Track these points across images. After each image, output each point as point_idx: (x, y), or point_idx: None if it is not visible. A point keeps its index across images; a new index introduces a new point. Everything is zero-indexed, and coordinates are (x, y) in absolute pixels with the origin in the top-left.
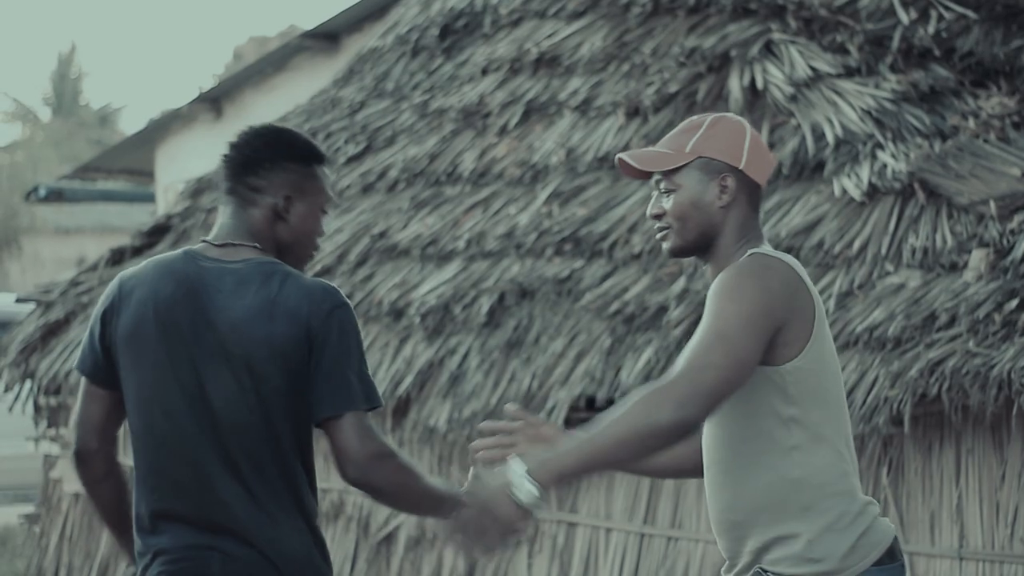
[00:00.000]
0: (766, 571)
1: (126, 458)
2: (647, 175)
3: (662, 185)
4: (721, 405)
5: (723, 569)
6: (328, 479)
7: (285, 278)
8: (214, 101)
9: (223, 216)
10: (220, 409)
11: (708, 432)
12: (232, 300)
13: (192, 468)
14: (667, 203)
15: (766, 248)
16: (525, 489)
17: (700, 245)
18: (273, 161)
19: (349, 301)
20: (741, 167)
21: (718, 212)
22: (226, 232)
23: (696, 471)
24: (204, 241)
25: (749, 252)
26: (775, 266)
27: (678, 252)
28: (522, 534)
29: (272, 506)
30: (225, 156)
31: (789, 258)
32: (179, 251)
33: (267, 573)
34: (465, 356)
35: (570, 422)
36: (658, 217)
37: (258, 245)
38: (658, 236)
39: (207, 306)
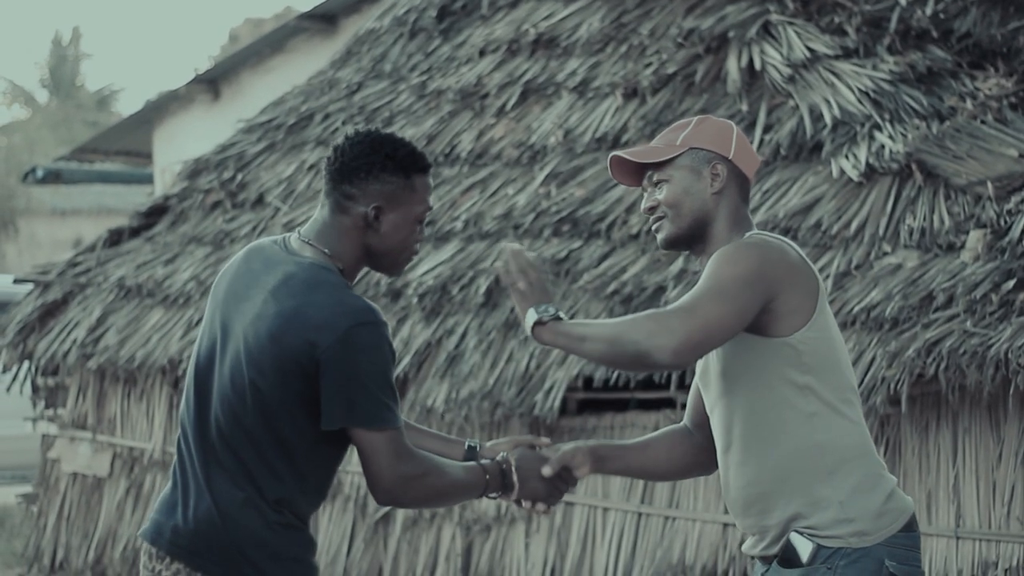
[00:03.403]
0: (801, 532)
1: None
2: (638, 179)
3: (654, 178)
4: (692, 356)
5: (746, 546)
6: None
7: (322, 288)
8: (211, 82)
9: (317, 214)
10: (217, 391)
11: (723, 414)
12: (267, 295)
13: (184, 434)
14: (660, 194)
15: (762, 232)
16: (530, 320)
17: (694, 233)
18: (368, 171)
19: (378, 320)
20: (730, 157)
21: (711, 199)
22: (311, 231)
23: (698, 468)
24: (298, 231)
25: (749, 234)
26: (773, 243)
27: (672, 241)
28: None
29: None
30: (327, 159)
31: (787, 240)
32: (281, 236)
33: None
34: (463, 336)
35: (567, 403)
36: (652, 210)
37: (327, 251)
38: (653, 228)
39: (251, 293)
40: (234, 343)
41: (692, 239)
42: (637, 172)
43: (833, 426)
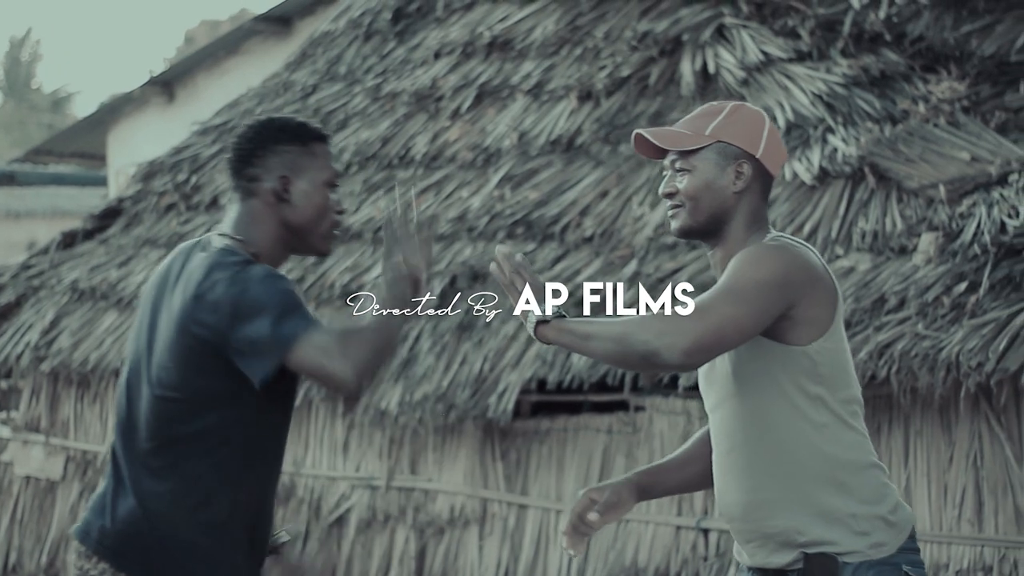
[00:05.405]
0: (814, 553)
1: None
2: (661, 154)
3: (677, 164)
4: (703, 358)
5: (742, 557)
6: None
7: (219, 269)
8: (166, 84)
9: (229, 208)
10: (145, 394)
11: (727, 416)
12: (177, 295)
13: (116, 436)
14: (681, 183)
15: (785, 235)
16: (532, 320)
17: (709, 228)
18: (264, 147)
19: (251, 263)
20: (758, 155)
21: (731, 197)
22: (227, 224)
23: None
24: (218, 227)
25: (771, 236)
26: (798, 248)
27: (686, 232)
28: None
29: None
30: (227, 157)
31: (809, 245)
32: (205, 234)
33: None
34: (416, 339)
35: (521, 405)
36: (670, 196)
37: (241, 238)
38: (669, 214)
39: (167, 297)
40: (157, 345)
41: (706, 233)
42: (660, 148)
43: (843, 438)
